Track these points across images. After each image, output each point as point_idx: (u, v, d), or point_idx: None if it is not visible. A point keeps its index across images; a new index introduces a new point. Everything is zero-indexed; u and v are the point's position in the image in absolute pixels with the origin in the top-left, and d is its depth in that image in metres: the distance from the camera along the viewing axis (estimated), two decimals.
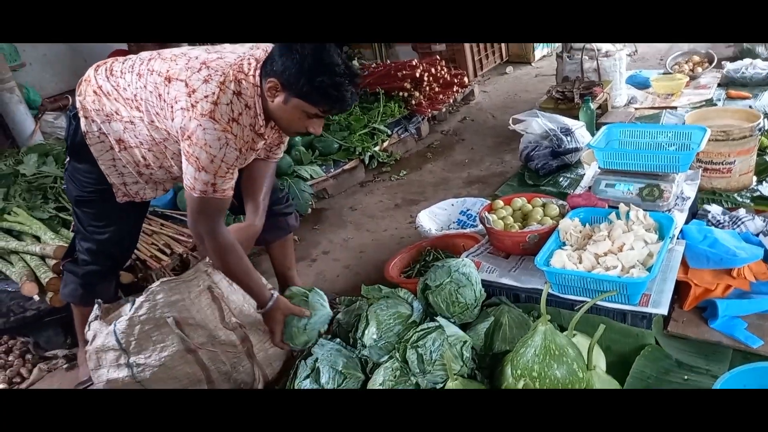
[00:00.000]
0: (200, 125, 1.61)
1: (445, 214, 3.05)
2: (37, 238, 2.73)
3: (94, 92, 1.81)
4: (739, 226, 2.42)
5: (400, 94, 4.25)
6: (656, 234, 2.00)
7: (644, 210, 2.11)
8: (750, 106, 3.73)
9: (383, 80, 4.30)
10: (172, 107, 1.67)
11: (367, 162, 3.93)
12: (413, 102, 4.27)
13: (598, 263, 1.92)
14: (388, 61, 5.11)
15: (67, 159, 1.98)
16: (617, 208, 2.21)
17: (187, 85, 1.65)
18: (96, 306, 1.85)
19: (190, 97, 1.63)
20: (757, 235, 2.34)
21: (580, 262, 1.95)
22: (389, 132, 4.08)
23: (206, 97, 1.63)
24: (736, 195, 2.81)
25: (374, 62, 5.11)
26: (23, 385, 2.40)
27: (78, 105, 1.83)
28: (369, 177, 3.96)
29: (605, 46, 4.33)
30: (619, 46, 4.43)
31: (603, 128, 2.60)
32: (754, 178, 2.90)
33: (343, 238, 3.25)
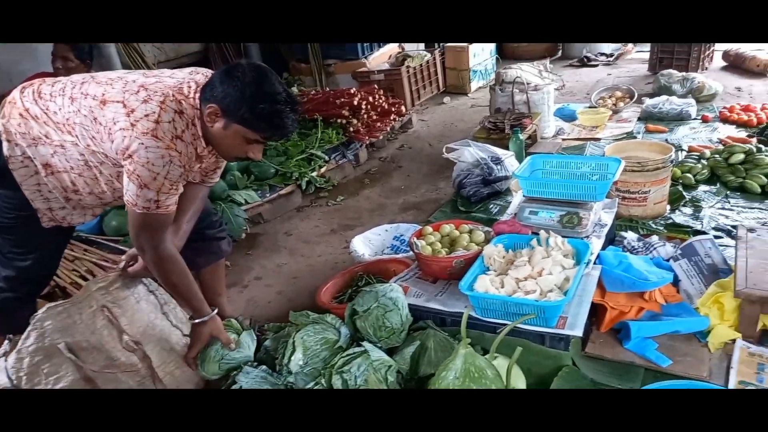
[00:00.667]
0: (142, 144, 1.60)
1: (379, 239, 3.09)
2: None
3: (20, 115, 1.75)
4: (651, 251, 2.57)
5: (339, 121, 4.30)
6: (573, 259, 2.10)
7: (563, 236, 2.22)
8: (666, 140, 3.99)
9: (322, 107, 4.35)
10: (110, 129, 1.65)
11: (304, 187, 3.93)
12: (351, 129, 4.33)
13: (519, 287, 1.99)
14: (328, 89, 5.17)
15: None
16: (539, 234, 2.31)
17: (125, 105, 1.64)
18: (6, 341, 1.75)
19: (129, 116, 1.62)
20: (668, 260, 2.48)
21: (503, 287, 2.02)
22: (327, 158, 4.11)
23: (147, 116, 1.62)
24: (651, 222, 2.98)
25: (314, 89, 5.16)
26: None
27: (0, 128, 1.77)
28: (306, 202, 3.97)
29: (534, 80, 4.55)
30: (547, 80, 4.66)
31: (528, 158, 2.72)
32: (668, 207, 3.09)
33: (276, 264, 3.22)
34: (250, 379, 1.87)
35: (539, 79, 4.61)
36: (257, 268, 3.20)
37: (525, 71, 4.62)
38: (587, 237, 2.39)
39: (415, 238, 2.33)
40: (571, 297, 1.88)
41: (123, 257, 2.00)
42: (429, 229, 2.42)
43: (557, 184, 2.48)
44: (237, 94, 1.62)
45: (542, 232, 2.21)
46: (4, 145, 1.76)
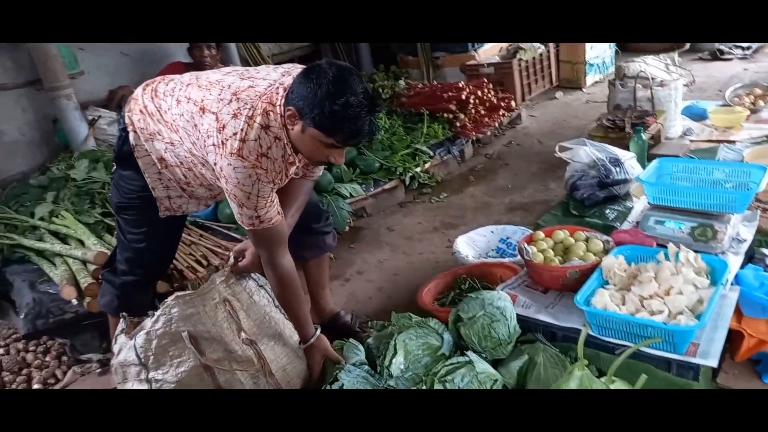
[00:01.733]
0: (230, 164, 1.63)
1: (483, 240, 2.97)
2: (81, 243, 2.79)
3: (141, 111, 1.85)
4: None
5: (445, 115, 4.21)
6: (707, 278, 1.88)
7: (695, 251, 2.00)
8: None
9: (428, 101, 4.27)
10: (204, 141, 1.69)
11: (407, 183, 3.89)
12: (458, 124, 4.22)
13: (643, 306, 1.81)
14: (435, 82, 5.08)
15: (114, 167, 2.03)
16: (665, 247, 2.10)
17: (218, 119, 1.66)
18: (122, 320, 1.85)
19: (220, 133, 1.65)
20: None
21: (623, 304, 1.85)
22: (432, 153, 4.04)
23: (234, 134, 1.63)
24: None
25: (420, 82, 5.09)
26: (57, 386, 2.44)
27: (127, 120, 1.88)
28: (409, 198, 3.92)
29: (660, 75, 4.19)
30: (675, 75, 4.28)
31: (654, 161, 2.49)
32: None
33: (378, 259, 3.21)
34: (351, 378, 1.85)
35: (666, 74, 4.23)
36: (359, 262, 3.21)
37: (650, 65, 4.26)
38: (722, 253, 2.15)
39: (525, 244, 2.21)
40: (706, 322, 1.68)
41: (231, 253, 2.04)
42: (541, 234, 2.28)
43: (689, 191, 2.24)
44: (311, 96, 1.57)
45: (671, 246, 2.01)
46: (131, 135, 1.86)
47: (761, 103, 4.32)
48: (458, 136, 4.25)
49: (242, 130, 1.63)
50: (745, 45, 6.28)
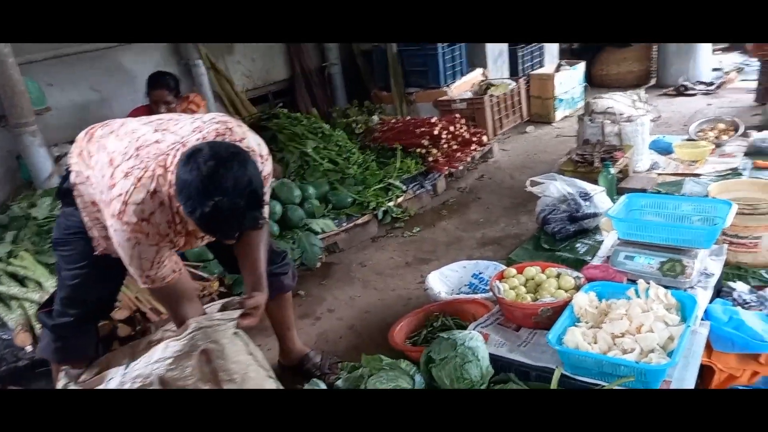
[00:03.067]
0: (112, 225, 1.61)
1: (456, 276, 2.95)
2: (40, 285, 2.69)
3: (78, 154, 1.83)
4: (766, 306, 2.28)
5: (418, 150, 4.23)
6: (678, 315, 1.87)
7: (664, 287, 1.99)
8: None
9: (401, 136, 4.30)
10: (101, 194, 1.66)
11: (380, 217, 3.87)
12: (430, 159, 4.24)
13: (615, 344, 1.79)
14: (408, 117, 5.12)
15: (59, 203, 1.99)
16: (635, 282, 2.10)
17: (112, 175, 1.62)
18: (63, 373, 1.75)
19: (110, 191, 1.61)
20: None
21: (595, 342, 1.82)
22: (404, 188, 4.04)
23: (119, 195, 1.58)
24: (763, 272, 2.66)
25: (394, 117, 5.13)
26: None
27: (70, 159, 1.85)
28: (381, 232, 3.90)
29: (627, 111, 4.29)
30: (641, 111, 4.38)
31: (623, 197, 2.50)
32: None
33: (349, 296, 3.15)
34: None
35: (633, 110, 4.33)
36: (330, 299, 3.15)
37: (617, 101, 4.36)
38: (691, 288, 2.15)
39: (497, 281, 2.18)
40: (677, 361, 1.67)
41: (242, 306, 1.88)
42: (512, 271, 2.26)
43: (658, 227, 2.25)
44: (185, 189, 1.48)
45: (641, 282, 2.00)
46: (72, 173, 1.83)
47: (725, 137, 4.44)
48: (431, 171, 4.26)
49: (127, 192, 1.57)
50: (708, 81, 6.50)
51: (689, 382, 1.72)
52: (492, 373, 1.88)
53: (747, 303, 2.30)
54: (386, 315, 2.85)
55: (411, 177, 4.17)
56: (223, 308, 1.86)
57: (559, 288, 2.12)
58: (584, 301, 1.96)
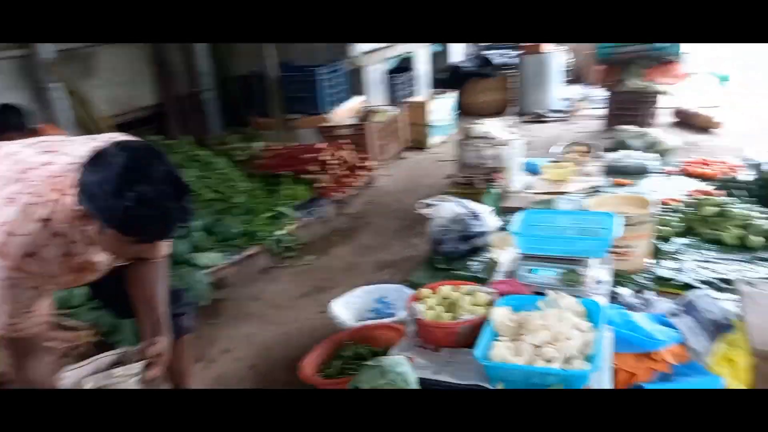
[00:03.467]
0: None
1: (359, 302, 2.88)
2: None
3: None
4: (650, 308, 2.48)
5: (306, 176, 4.13)
6: (588, 321, 1.96)
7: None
8: (633, 192, 4.03)
9: (288, 162, 4.18)
10: None
11: (271, 247, 3.69)
12: (319, 185, 4.16)
13: (537, 354, 1.82)
14: (294, 144, 5.01)
15: None
16: (540, 293, 2.17)
17: None
18: None
19: None
20: (668, 316, 2.40)
21: (518, 354, 1.85)
22: (295, 215, 3.91)
23: (2, 225, 1.33)
24: (635, 277, 2.91)
25: (280, 144, 4.98)
26: None
27: None
28: (273, 263, 3.72)
29: (502, 135, 4.56)
30: (514, 135, 4.68)
31: (521, 213, 2.61)
32: (648, 261, 3.04)
33: (245, 333, 2.94)
34: None
35: (506, 134, 4.62)
36: (224, 339, 2.91)
37: (492, 126, 4.63)
38: (589, 295, 2.28)
39: (414, 303, 2.15)
40: (600, 364, 1.73)
41: (143, 356, 1.63)
42: (426, 291, 2.24)
43: (556, 240, 2.37)
44: (98, 193, 1.26)
45: (551, 293, 2.07)
46: None
47: (584, 158, 4.89)
48: (320, 197, 4.18)
49: (13, 221, 1.33)
50: (561, 109, 7.17)
51: (607, 385, 1.80)
52: None
53: (634, 306, 2.49)
54: (290, 350, 2.68)
55: (300, 204, 4.05)
56: (120, 361, 1.61)
57: (475, 304, 2.13)
58: (502, 315, 1.99)
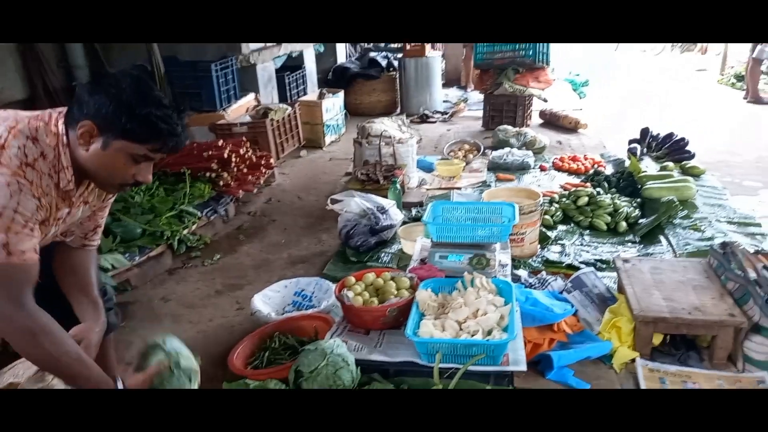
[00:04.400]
0: None
1: (278, 296, 2.94)
2: None
3: None
4: (546, 286, 2.81)
5: (208, 174, 4.06)
6: (501, 297, 2.21)
7: None
8: (516, 186, 4.46)
9: (188, 160, 4.07)
10: None
11: (176, 247, 3.60)
12: (222, 183, 4.10)
13: (461, 329, 2.03)
14: (188, 141, 4.85)
15: None
16: (454, 277, 2.40)
17: None
18: None
19: None
20: (561, 292, 2.74)
21: (444, 330, 2.04)
22: (199, 214, 3.83)
23: None
24: (530, 261, 3.26)
25: None
26: None
27: None
28: (178, 263, 3.62)
29: (397, 134, 4.80)
30: (407, 134, 4.94)
31: (429, 205, 2.83)
32: (538, 247, 3.42)
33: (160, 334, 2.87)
34: None
35: (401, 133, 4.86)
36: (139, 341, 2.80)
37: (388, 125, 4.85)
38: (495, 276, 2.54)
39: (344, 290, 2.27)
40: (515, 334, 1.97)
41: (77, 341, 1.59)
42: (352, 279, 2.37)
43: (464, 228, 2.61)
44: (114, 102, 1.41)
45: (466, 274, 2.30)
46: None
47: (470, 156, 5.29)
48: (222, 195, 4.13)
49: (1, 137, 1.40)
50: (443, 110, 7.60)
51: (521, 353, 2.05)
52: (360, 377, 1.95)
53: (532, 285, 2.81)
54: (211, 347, 2.67)
55: (203, 203, 3.97)
56: None
57: (399, 289, 2.30)
58: (426, 297, 2.18)
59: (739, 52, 9.39)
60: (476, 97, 7.99)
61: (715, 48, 11.61)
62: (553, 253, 3.38)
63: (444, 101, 8.26)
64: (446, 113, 7.51)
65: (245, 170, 4.33)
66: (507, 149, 5.19)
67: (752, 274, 2.32)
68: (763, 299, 2.19)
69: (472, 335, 1.98)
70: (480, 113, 6.91)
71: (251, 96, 5.73)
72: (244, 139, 4.57)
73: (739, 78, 8.82)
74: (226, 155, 4.14)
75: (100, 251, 3.18)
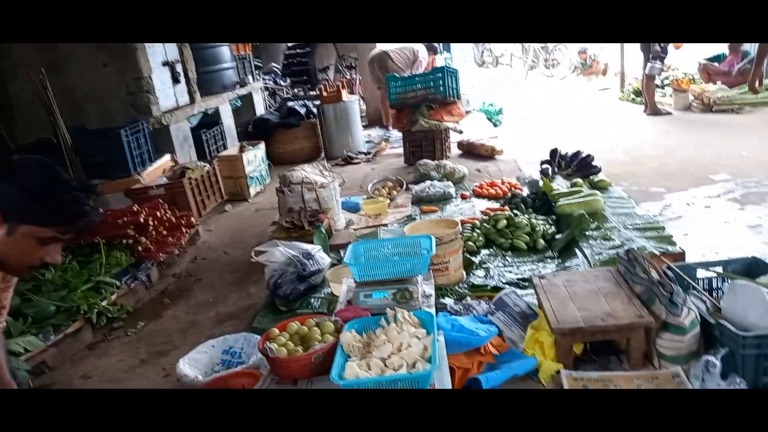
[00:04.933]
0: None
1: (206, 357, 2.85)
2: None
3: None
4: (470, 311, 2.87)
5: (124, 241, 3.93)
6: (423, 329, 2.23)
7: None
8: (439, 216, 4.58)
9: (101, 229, 3.93)
10: None
11: (95, 320, 3.43)
12: (140, 248, 3.98)
13: (386, 366, 2.03)
14: (100, 210, 4.70)
15: None
16: (380, 314, 2.41)
17: None
18: None
19: None
20: (486, 315, 2.81)
21: (369, 369, 2.04)
22: (118, 283, 3.69)
23: None
24: (457, 287, 3.33)
25: None
26: None
27: None
28: (99, 337, 3.46)
29: (319, 179, 4.83)
30: (329, 177, 4.99)
31: (349, 246, 2.84)
32: (464, 273, 3.50)
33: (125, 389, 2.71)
34: None
35: (323, 178, 4.91)
36: None
37: (308, 171, 4.88)
38: (419, 308, 2.58)
39: (266, 343, 2.23)
40: (438, 363, 1.99)
41: None
42: (276, 331, 2.33)
43: (384, 265, 2.63)
44: (19, 189, 1.43)
45: (388, 310, 2.32)
46: None
47: (394, 192, 5.38)
48: (143, 261, 4.00)
49: None
50: (365, 151, 7.74)
51: (447, 380, 2.07)
52: None
53: (458, 311, 2.86)
54: None
55: (122, 270, 3.83)
56: None
57: (325, 333, 2.29)
58: (350, 338, 2.17)
59: (636, 71, 10.13)
60: (397, 135, 8.19)
61: (614, 68, 12.47)
62: (477, 277, 3.46)
63: (367, 141, 8.41)
64: (369, 153, 7.65)
65: (164, 232, 4.23)
66: (428, 182, 5.33)
67: (655, 276, 2.46)
68: (666, 298, 2.32)
69: (397, 370, 1.98)
70: (401, 150, 7.07)
71: (167, 157, 5.65)
72: (160, 201, 4.47)
73: (638, 93, 9.49)
74: (142, 219, 4.04)
75: (9, 335, 3.01)
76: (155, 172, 5.32)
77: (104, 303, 3.54)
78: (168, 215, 4.35)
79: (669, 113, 8.45)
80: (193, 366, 2.76)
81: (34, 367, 3.03)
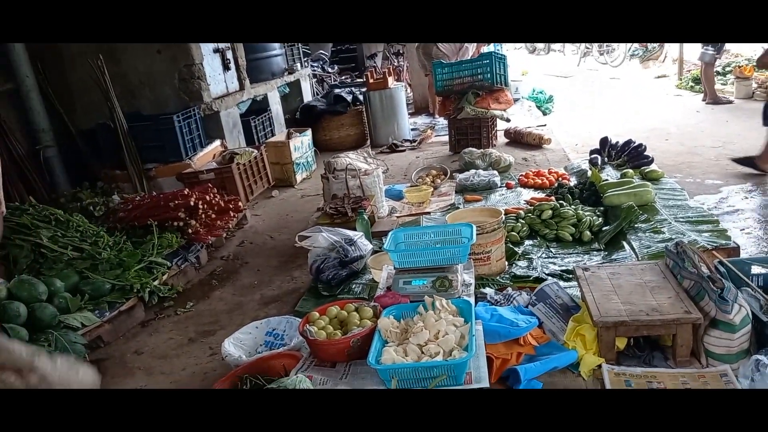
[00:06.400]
0: None
1: (250, 338, 2.93)
2: None
3: None
4: (511, 301, 2.85)
5: (175, 223, 4.08)
6: (461, 317, 2.24)
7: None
8: (483, 205, 4.53)
9: (154, 212, 4.09)
10: None
11: (147, 299, 3.59)
12: (190, 231, 4.12)
13: (423, 353, 2.05)
14: (154, 193, 4.89)
15: None
16: (418, 301, 2.43)
17: None
18: None
19: None
20: (527, 306, 2.78)
21: (406, 355, 2.06)
22: (168, 264, 3.83)
23: None
24: (498, 278, 3.30)
25: (138, 195, 4.83)
26: None
27: None
28: (150, 315, 3.61)
29: (363, 166, 4.87)
30: (374, 165, 5.01)
31: (390, 233, 2.87)
32: (506, 263, 3.47)
33: (133, 388, 2.85)
34: None
35: (367, 165, 4.93)
36: None
37: (353, 159, 4.92)
38: (459, 296, 2.58)
39: (306, 326, 2.28)
40: (474, 351, 2.00)
41: None
42: (316, 314, 2.39)
43: (424, 252, 2.65)
44: None
45: (427, 298, 2.33)
46: None
47: (438, 180, 5.36)
48: (193, 243, 4.14)
49: None
50: (411, 138, 7.72)
51: (484, 370, 2.07)
52: None
53: (498, 302, 2.84)
54: None
55: (173, 252, 3.98)
56: None
57: (362, 319, 2.33)
58: (387, 324, 2.20)
59: (695, 56, 9.69)
60: (443, 122, 8.13)
61: (673, 54, 11.97)
62: (520, 268, 3.42)
63: (412, 129, 8.38)
64: (414, 141, 7.62)
65: (213, 216, 4.35)
66: (473, 171, 5.28)
67: (705, 271, 2.38)
68: (716, 294, 2.24)
69: (434, 357, 2.00)
70: (447, 138, 7.02)
71: (217, 143, 5.80)
72: (210, 185, 4.60)
73: (697, 81, 9.09)
74: (192, 203, 4.17)
75: (68, 311, 3.18)
76: (206, 157, 5.48)
77: (156, 282, 3.69)
78: (217, 199, 4.47)
79: (730, 102, 8.07)
80: (238, 346, 2.84)
81: (90, 342, 3.20)
